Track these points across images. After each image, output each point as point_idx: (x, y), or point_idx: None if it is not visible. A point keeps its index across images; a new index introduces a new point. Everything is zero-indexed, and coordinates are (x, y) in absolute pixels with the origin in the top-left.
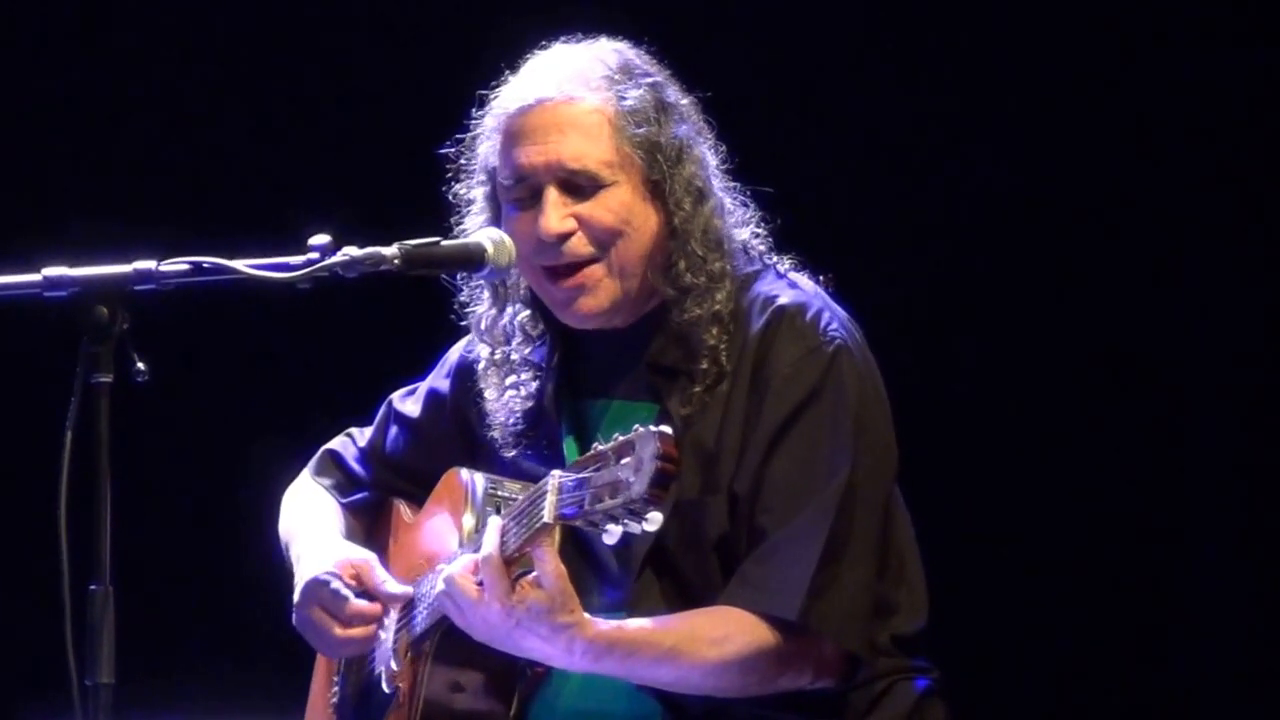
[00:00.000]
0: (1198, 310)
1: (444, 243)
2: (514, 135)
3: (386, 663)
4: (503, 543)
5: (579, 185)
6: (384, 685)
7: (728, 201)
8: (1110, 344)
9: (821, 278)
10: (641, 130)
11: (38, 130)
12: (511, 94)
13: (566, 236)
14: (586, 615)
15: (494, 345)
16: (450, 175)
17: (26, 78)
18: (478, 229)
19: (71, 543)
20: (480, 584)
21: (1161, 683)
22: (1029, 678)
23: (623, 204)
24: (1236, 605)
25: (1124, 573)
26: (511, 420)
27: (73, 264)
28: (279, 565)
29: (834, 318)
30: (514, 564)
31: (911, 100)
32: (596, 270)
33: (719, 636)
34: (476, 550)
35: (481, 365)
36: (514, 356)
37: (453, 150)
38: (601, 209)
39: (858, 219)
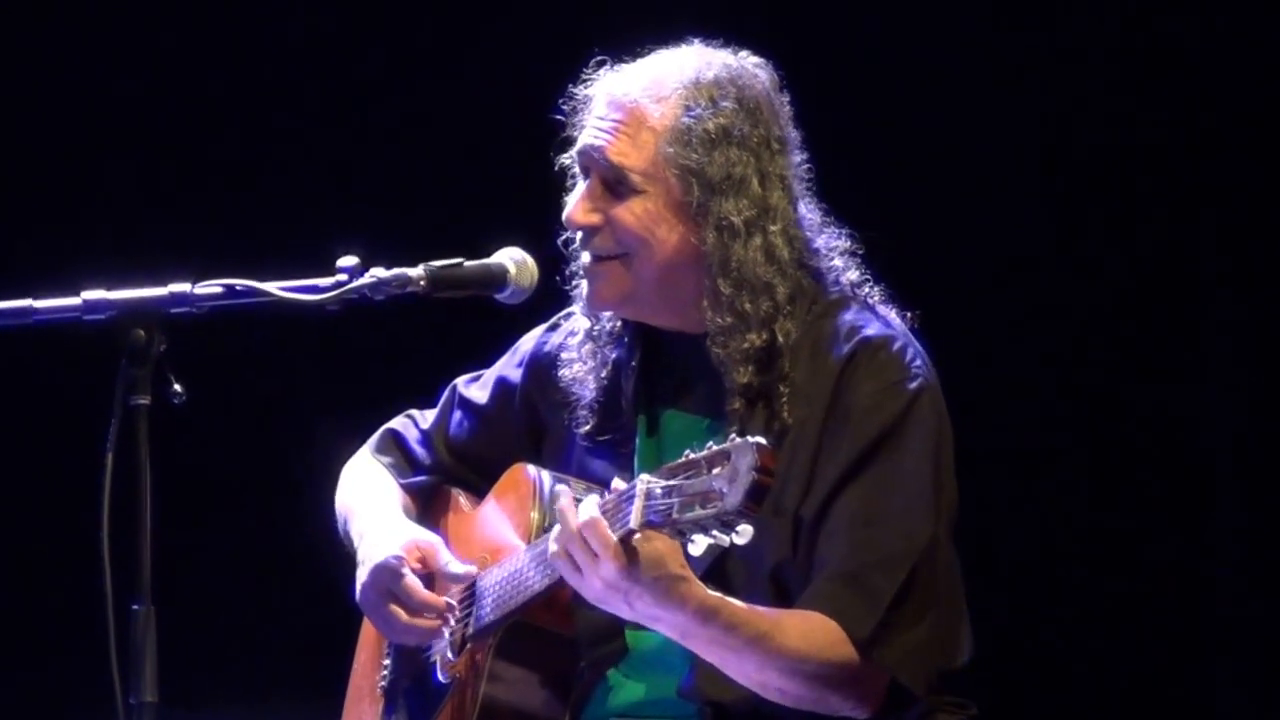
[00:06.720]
0: (1224, 316)
1: (467, 264)
2: (589, 113)
3: (443, 652)
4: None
5: (615, 182)
6: (439, 674)
7: (787, 242)
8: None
9: (908, 314)
10: (684, 153)
11: (74, 151)
12: (609, 78)
13: (589, 231)
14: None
15: (594, 320)
16: (560, 141)
17: (59, 98)
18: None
19: (114, 564)
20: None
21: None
22: (1061, 711)
23: (648, 213)
24: (1268, 628)
25: (1155, 603)
26: (590, 397)
27: (108, 288)
28: (325, 583)
29: (918, 355)
30: None
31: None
32: (616, 266)
33: (805, 630)
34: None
35: (578, 338)
36: (605, 326)
37: (560, 118)
38: (627, 212)
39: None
